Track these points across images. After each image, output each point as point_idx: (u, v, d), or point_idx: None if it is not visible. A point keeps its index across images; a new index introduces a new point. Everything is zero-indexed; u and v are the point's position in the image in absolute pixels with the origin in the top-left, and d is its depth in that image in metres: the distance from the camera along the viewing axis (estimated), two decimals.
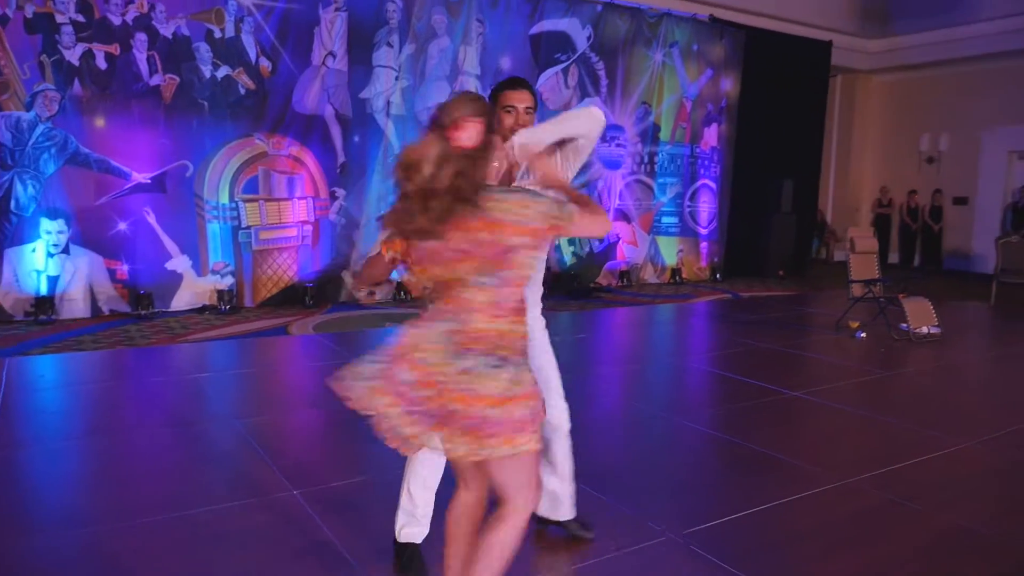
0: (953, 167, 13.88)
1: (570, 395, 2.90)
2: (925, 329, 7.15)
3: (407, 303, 8.53)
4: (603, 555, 2.81)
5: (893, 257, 14.72)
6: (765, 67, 11.64)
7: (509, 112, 2.49)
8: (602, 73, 10.30)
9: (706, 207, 11.68)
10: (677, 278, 11.12)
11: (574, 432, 2.89)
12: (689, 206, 11.51)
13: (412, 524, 2.64)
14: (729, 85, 11.60)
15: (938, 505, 3.35)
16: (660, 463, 3.88)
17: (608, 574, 2.71)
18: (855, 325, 7.37)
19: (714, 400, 5.25)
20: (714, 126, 11.56)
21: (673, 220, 11.40)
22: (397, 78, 8.68)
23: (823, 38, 12.54)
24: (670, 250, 11.33)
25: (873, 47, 13.93)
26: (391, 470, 2.94)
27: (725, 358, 6.46)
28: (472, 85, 9.20)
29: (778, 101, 11.80)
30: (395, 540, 2.69)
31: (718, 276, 11.50)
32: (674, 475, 3.70)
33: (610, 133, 10.52)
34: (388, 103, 8.66)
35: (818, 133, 12.79)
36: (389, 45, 8.57)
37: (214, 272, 7.93)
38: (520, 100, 2.50)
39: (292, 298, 8.27)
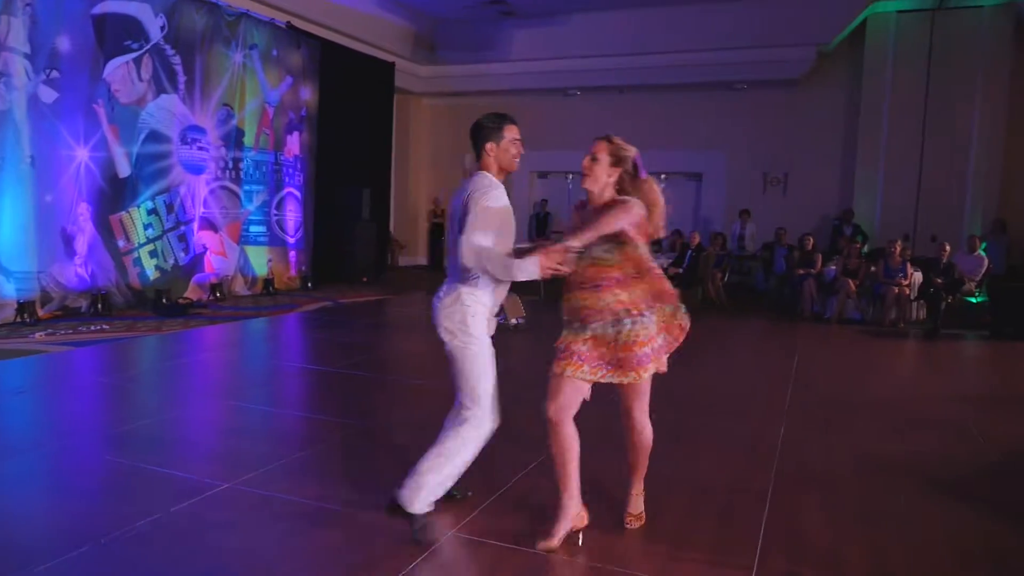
0: None
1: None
2: (514, 320, 8.36)
3: None
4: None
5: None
6: (340, 80, 12.02)
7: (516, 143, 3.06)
8: (179, 68, 9.40)
9: (292, 215, 11.54)
10: (270, 289, 10.76)
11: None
12: (276, 215, 11.23)
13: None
14: (308, 94, 11.65)
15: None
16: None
17: None
18: None
19: (397, 405, 5.33)
20: (296, 134, 11.49)
21: (261, 229, 11.00)
22: None
23: (387, 59, 13.46)
24: (260, 260, 10.90)
25: (424, 72, 15.44)
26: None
27: (381, 362, 6.57)
28: (19, 65, 7.54)
29: (353, 114, 12.31)
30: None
31: (309, 285, 11.47)
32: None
33: (191, 135, 9.66)
34: None
35: (387, 146, 13.66)
36: None
37: None
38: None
39: None
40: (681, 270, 10.88)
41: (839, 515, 3.38)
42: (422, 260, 16.88)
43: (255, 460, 3.82)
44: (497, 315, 3.12)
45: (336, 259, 12.18)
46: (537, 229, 15.67)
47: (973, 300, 10.19)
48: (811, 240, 10.81)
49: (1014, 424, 5.13)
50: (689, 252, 10.95)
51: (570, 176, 15.65)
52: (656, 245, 12.51)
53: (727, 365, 7.15)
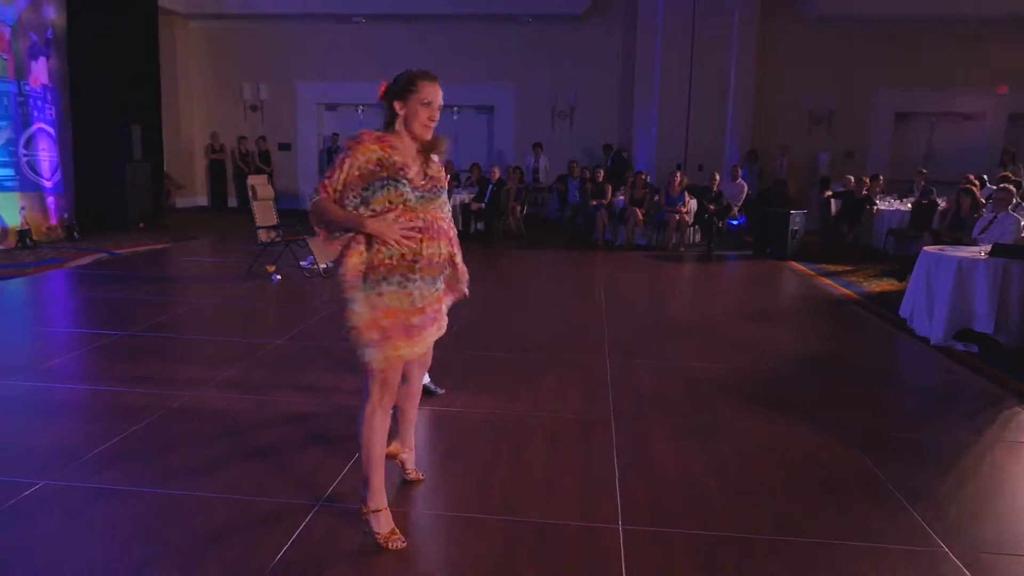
0: (274, 115, 15.21)
1: None
2: (325, 264, 8.03)
3: None
4: None
5: (232, 201, 15.41)
6: None
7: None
8: None
9: (47, 155, 10.02)
10: (27, 241, 9.35)
11: None
12: (26, 155, 9.68)
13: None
14: (54, 13, 10.00)
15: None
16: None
17: None
18: (271, 269, 7.74)
19: (235, 360, 4.94)
20: (43, 60, 9.87)
21: (9, 172, 9.45)
22: None
23: None
24: (10, 209, 9.40)
25: None
26: None
27: (183, 320, 6.03)
28: None
29: (111, 37, 10.80)
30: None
31: (76, 235, 10.12)
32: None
33: None
34: None
35: (155, 75, 12.20)
36: None
37: None
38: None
39: None
40: (483, 205, 11.08)
41: (680, 435, 3.76)
42: (202, 201, 15.55)
43: (73, 447, 3.41)
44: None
45: (105, 204, 10.83)
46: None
47: (733, 223, 11.51)
48: (602, 172, 11.48)
49: (787, 337, 5.96)
50: (491, 186, 11.15)
51: (360, 108, 15.09)
52: (456, 180, 12.61)
53: (545, 296, 7.50)
